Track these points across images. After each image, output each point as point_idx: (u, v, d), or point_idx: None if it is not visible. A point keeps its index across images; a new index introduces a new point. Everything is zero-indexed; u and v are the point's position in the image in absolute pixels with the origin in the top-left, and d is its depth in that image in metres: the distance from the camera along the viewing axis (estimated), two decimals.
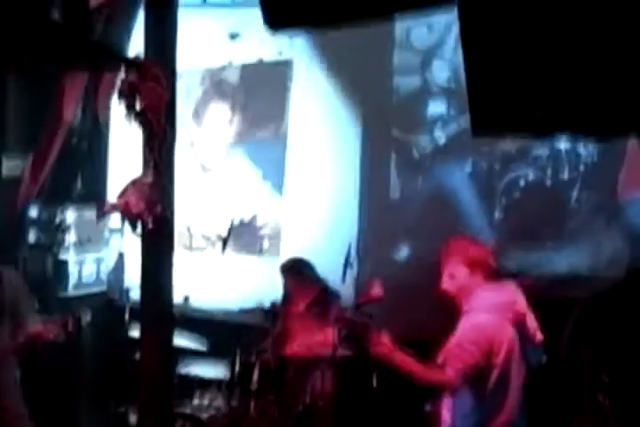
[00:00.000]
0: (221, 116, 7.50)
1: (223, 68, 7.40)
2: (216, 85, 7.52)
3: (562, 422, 4.60)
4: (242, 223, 6.65)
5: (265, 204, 7.20)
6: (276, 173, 7.16)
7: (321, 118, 6.96)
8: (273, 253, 7.13)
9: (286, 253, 6.72)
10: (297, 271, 6.04)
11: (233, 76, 7.42)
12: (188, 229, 7.02)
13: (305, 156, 7.03)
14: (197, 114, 7.57)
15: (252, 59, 7.18)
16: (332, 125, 6.92)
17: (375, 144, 6.72)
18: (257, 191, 7.25)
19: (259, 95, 7.29)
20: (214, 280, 7.05)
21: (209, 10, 6.91)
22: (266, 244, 7.22)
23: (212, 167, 7.52)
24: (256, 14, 6.04)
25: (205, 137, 7.57)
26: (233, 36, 7.10)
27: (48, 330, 5.18)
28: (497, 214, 6.17)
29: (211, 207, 7.22)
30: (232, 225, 6.10)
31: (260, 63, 7.17)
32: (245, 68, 7.33)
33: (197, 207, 7.09)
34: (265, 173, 7.24)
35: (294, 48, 6.96)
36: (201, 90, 7.56)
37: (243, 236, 7.06)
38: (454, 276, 4.13)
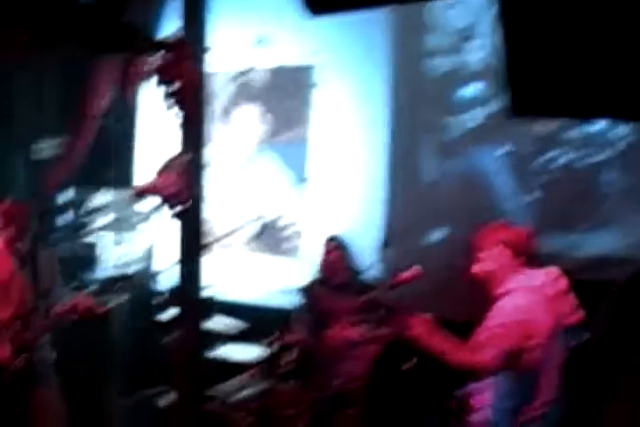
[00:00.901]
0: (247, 118, 7.59)
1: (249, 71, 7.49)
2: (242, 88, 7.61)
3: (596, 406, 4.60)
4: (266, 223, 6.64)
5: (289, 204, 7.30)
6: (300, 174, 7.25)
7: (345, 119, 6.99)
8: (294, 254, 7.24)
9: (308, 254, 6.78)
10: (341, 246, 6.00)
11: (259, 79, 7.52)
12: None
13: (329, 156, 7.08)
14: (224, 115, 7.63)
15: (277, 62, 7.32)
16: (357, 126, 6.93)
17: (407, 127, 6.68)
18: (281, 192, 7.34)
19: (284, 98, 7.38)
20: (236, 279, 7.11)
21: (238, 14, 6.94)
22: (289, 244, 7.29)
23: (236, 168, 7.58)
24: (283, 20, 6.15)
25: (232, 138, 7.63)
26: (260, 41, 7.16)
27: (82, 302, 5.20)
28: (530, 197, 6.14)
29: (235, 206, 7.26)
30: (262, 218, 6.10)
31: (285, 67, 7.30)
32: (271, 72, 7.44)
33: (222, 206, 7.09)
34: (290, 174, 7.33)
35: (318, 53, 7.06)
36: (227, 92, 7.62)
37: (266, 236, 7.07)
38: (491, 259, 4.11)
